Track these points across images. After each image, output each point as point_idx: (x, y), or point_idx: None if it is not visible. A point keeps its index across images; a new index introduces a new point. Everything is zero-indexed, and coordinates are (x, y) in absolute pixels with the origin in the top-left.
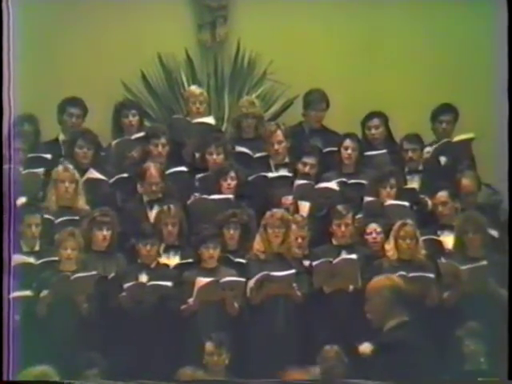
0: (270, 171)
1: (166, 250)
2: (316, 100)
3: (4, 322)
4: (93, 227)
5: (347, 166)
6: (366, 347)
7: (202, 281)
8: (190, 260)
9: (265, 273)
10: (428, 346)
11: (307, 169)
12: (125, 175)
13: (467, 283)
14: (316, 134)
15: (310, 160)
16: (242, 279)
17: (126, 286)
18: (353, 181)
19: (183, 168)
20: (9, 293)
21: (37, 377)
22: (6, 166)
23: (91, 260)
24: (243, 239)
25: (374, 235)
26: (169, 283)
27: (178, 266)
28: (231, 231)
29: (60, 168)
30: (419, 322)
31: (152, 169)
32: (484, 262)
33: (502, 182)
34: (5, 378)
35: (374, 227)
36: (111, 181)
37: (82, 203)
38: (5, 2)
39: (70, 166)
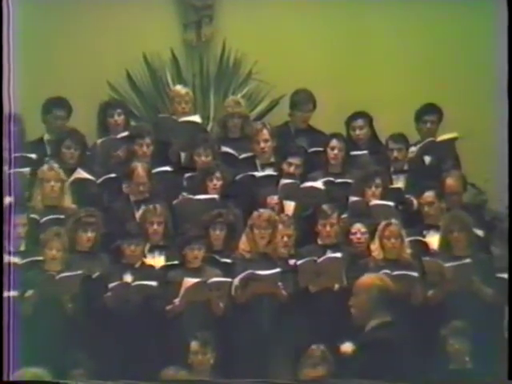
0: (256, 171)
1: (151, 250)
2: (303, 101)
3: (4, 322)
4: (78, 228)
5: (333, 166)
6: (347, 347)
7: (189, 281)
8: (176, 262)
9: (250, 271)
10: (413, 344)
11: (292, 169)
12: (112, 175)
13: (452, 281)
14: (302, 134)
15: (295, 160)
16: (229, 279)
17: (110, 285)
18: (339, 180)
19: (168, 168)
20: (9, 291)
21: (29, 377)
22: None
23: (76, 260)
24: (229, 239)
25: (358, 235)
26: (154, 283)
27: (163, 267)
28: (217, 232)
29: (45, 167)
30: (404, 321)
31: (139, 168)
32: (468, 260)
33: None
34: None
35: (358, 227)
36: (99, 181)
37: (68, 202)
38: (5, 2)
39: (56, 165)
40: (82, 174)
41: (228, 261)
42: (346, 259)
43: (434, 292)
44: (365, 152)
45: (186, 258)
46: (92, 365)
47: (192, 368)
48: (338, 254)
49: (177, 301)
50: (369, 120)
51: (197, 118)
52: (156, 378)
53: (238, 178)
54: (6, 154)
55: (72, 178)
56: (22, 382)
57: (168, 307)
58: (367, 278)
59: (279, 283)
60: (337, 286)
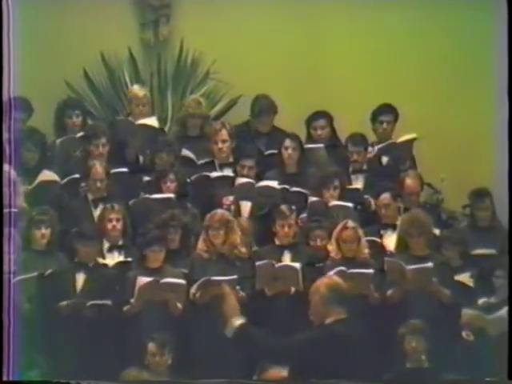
0: (215, 171)
1: (110, 250)
2: (264, 110)
3: (5, 322)
4: (31, 226)
5: (289, 166)
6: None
7: (143, 280)
8: (135, 261)
9: (206, 278)
10: (369, 343)
11: (246, 171)
12: (73, 176)
13: (412, 282)
14: (262, 135)
15: (248, 162)
16: (183, 281)
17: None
18: (296, 185)
19: (126, 169)
20: (9, 293)
21: None
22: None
23: (31, 260)
24: (185, 239)
25: (318, 243)
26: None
27: (120, 266)
28: (172, 234)
29: None
30: (361, 320)
31: (97, 166)
32: (430, 264)
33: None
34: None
35: (317, 233)
36: (62, 182)
37: (19, 202)
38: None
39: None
40: (47, 175)
41: (186, 260)
42: (303, 260)
43: (392, 291)
44: (320, 145)
45: (147, 259)
46: (49, 366)
47: (149, 369)
48: (297, 265)
49: (133, 300)
50: (330, 120)
51: (154, 121)
52: (114, 379)
53: (192, 178)
54: None
55: (37, 180)
56: (21, 381)
57: (125, 308)
58: (317, 282)
59: (237, 286)
60: (293, 290)
